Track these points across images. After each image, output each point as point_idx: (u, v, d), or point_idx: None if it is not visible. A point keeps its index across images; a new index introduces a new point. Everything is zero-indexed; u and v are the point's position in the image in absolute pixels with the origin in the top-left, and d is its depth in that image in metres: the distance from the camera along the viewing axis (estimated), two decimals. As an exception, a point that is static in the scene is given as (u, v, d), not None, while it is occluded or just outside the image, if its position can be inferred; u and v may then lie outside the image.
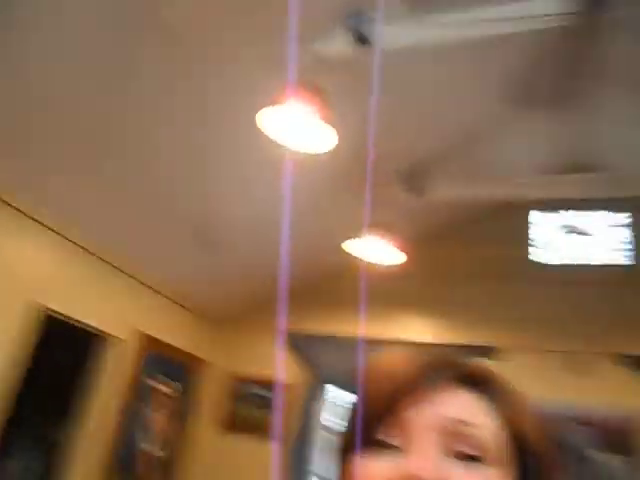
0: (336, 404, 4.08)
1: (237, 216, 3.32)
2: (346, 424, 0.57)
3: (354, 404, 0.56)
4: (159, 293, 3.74)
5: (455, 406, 0.51)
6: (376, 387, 0.53)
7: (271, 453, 3.83)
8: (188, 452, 3.98)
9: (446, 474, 0.47)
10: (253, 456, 3.87)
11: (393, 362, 0.56)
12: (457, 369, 0.54)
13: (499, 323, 3.72)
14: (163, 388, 3.73)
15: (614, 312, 3.51)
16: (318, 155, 2.21)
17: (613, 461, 3.16)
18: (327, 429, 3.95)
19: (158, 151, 2.78)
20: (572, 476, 3.18)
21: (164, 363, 3.73)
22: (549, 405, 3.37)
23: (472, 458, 0.49)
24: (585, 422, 3.29)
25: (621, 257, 3.74)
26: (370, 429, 0.51)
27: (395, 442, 0.50)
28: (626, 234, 3.80)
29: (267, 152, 2.25)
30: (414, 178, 2.96)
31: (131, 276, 3.48)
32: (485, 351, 3.69)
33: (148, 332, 3.58)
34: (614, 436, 3.21)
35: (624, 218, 3.85)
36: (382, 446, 0.51)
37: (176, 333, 3.90)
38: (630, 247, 3.75)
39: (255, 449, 3.89)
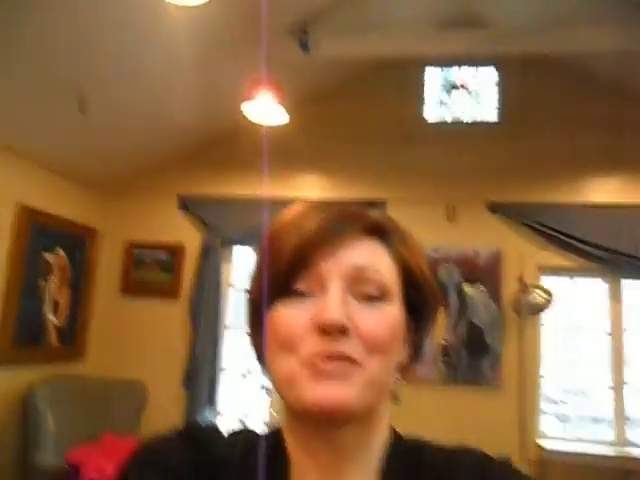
0: (245, 263, 4.24)
1: (121, 79, 3.06)
2: (254, 278, 0.60)
3: (260, 258, 0.60)
4: (44, 167, 3.48)
5: (359, 254, 0.56)
6: (286, 240, 0.56)
7: (171, 312, 4.03)
8: (89, 319, 4.05)
9: (352, 314, 0.53)
10: (154, 316, 4.04)
11: (300, 216, 0.59)
12: (361, 220, 0.58)
13: (388, 178, 3.92)
14: (57, 259, 3.65)
15: (486, 165, 3.82)
16: (198, 7, 2.03)
17: (479, 291, 3.67)
18: (237, 287, 4.15)
19: (37, 20, 2.41)
20: (451, 307, 3.68)
21: (55, 235, 3.59)
22: (431, 249, 3.77)
23: (374, 298, 0.56)
24: (460, 261, 3.73)
25: (492, 112, 3.97)
26: (282, 280, 0.55)
27: (307, 290, 0.55)
28: (494, 90, 4.00)
29: (148, 10, 2.05)
30: (300, 33, 2.84)
31: (10, 149, 3.19)
32: (376, 205, 3.95)
33: (34, 206, 3.40)
34: (482, 271, 3.69)
35: (494, 74, 4.02)
36: (296, 294, 0.55)
37: (66, 206, 3.72)
38: (497, 102, 3.98)
39: (155, 309, 4.05)
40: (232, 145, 4.10)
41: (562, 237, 3.59)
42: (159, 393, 3.90)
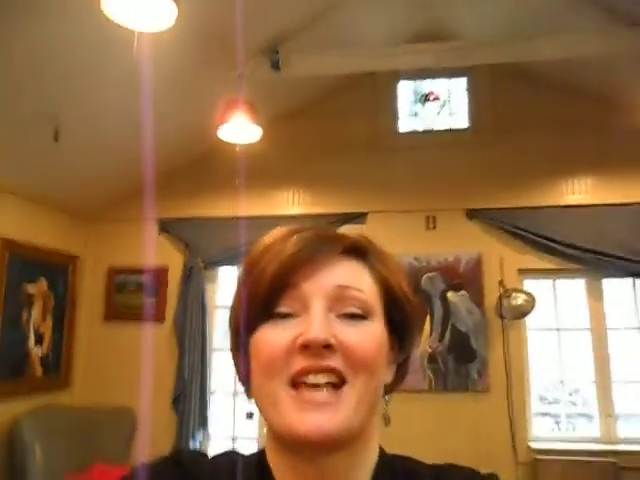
0: (228, 283, 4.24)
1: (92, 109, 3.07)
2: (235, 304, 0.60)
3: (241, 284, 0.59)
4: (19, 196, 3.47)
5: (340, 273, 0.57)
6: (265, 264, 0.56)
7: (156, 336, 4.01)
8: (73, 347, 4.01)
9: (335, 332, 0.53)
10: (139, 341, 3.99)
11: (278, 240, 0.58)
12: (340, 241, 0.59)
13: (366, 190, 3.96)
14: (38, 289, 3.62)
15: (461, 172, 3.89)
16: (163, 33, 2.06)
17: (462, 297, 3.71)
18: (223, 308, 4.14)
19: (5, 52, 2.42)
20: (435, 315, 3.71)
21: (35, 265, 3.56)
22: (413, 258, 3.80)
23: (356, 316, 0.56)
24: (442, 269, 3.76)
25: (464, 121, 4.05)
26: (264, 304, 0.55)
27: (290, 312, 0.55)
28: (465, 99, 4.09)
29: (113, 38, 2.07)
30: (271, 52, 2.89)
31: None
32: (355, 217, 3.98)
33: (12, 237, 3.37)
34: (464, 277, 3.73)
35: (465, 84, 4.11)
36: (279, 317, 0.55)
37: (45, 234, 3.69)
38: (468, 111, 4.05)
39: (140, 334, 4.00)
40: (208, 166, 4.12)
41: (541, 240, 3.65)
42: (149, 418, 3.85)
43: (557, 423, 3.85)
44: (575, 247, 3.58)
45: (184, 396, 3.75)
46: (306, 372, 0.52)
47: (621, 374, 3.69)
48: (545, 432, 3.69)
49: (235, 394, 3.95)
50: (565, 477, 3.22)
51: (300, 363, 0.52)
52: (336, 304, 0.55)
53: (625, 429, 3.61)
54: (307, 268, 0.55)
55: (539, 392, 3.90)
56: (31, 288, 3.54)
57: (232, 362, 0.62)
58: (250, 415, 0.57)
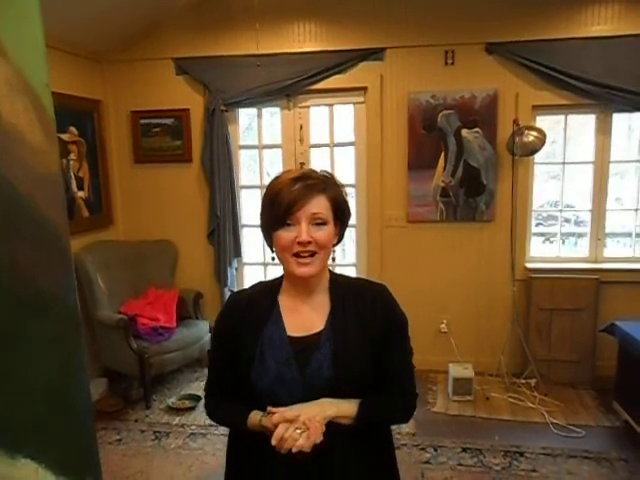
0: (246, 124, 4.35)
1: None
2: (263, 216, 1.26)
3: (265, 204, 1.24)
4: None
5: (314, 205, 1.19)
6: (280, 199, 1.18)
7: (186, 175, 4.28)
8: (109, 188, 4.30)
9: (312, 234, 1.19)
10: (170, 181, 4.30)
11: (287, 184, 1.19)
12: (316, 186, 1.20)
13: (384, 25, 3.86)
14: (70, 137, 3.78)
15: (484, 6, 3.75)
16: None
17: (476, 134, 3.89)
18: (243, 147, 4.32)
19: None
20: (449, 151, 3.92)
21: (64, 114, 3.65)
22: (430, 96, 3.88)
23: (321, 224, 1.20)
24: (458, 106, 3.87)
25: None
26: (280, 219, 1.19)
27: (293, 224, 1.19)
28: None
29: None
30: None
31: None
32: (373, 53, 3.94)
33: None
34: (479, 114, 3.86)
35: None
36: (287, 225, 1.19)
37: (62, 80, 3.69)
38: None
39: (170, 174, 4.29)
40: (222, 2, 3.96)
41: (558, 75, 3.69)
42: (188, 250, 4.33)
43: (551, 244, 4.33)
44: (590, 82, 3.65)
45: (218, 230, 4.15)
46: (300, 251, 1.20)
47: (614, 202, 4.06)
48: (540, 252, 4.18)
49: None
50: (554, 291, 3.78)
51: (297, 248, 1.19)
52: (312, 220, 1.20)
53: (610, 249, 4.10)
54: (300, 204, 1.18)
55: (539, 216, 4.32)
56: (65, 137, 3.70)
57: (265, 240, 1.30)
58: (272, 259, 1.13)
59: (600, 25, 3.66)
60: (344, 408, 1.17)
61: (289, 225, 1.18)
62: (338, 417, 1.16)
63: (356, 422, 1.18)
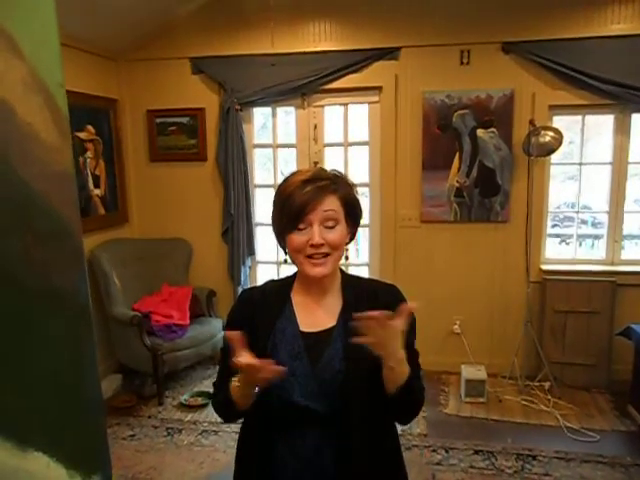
0: (261, 123, 4.37)
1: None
2: (275, 219, 1.26)
3: (276, 207, 1.24)
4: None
5: (327, 206, 1.20)
6: (292, 202, 1.19)
7: (201, 174, 4.31)
8: (126, 187, 4.34)
9: (324, 235, 1.19)
10: (185, 179, 4.34)
11: (299, 186, 1.19)
12: (328, 187, 1.20)
13: (399, 24, 3.84)
14: (87, 135, 3.82)
15: (500, 4, 3.71)
16: None
17: (491, 134, 3.85)
18: (257, 146, 4.33)
19: None
20: (464, 151, 3.90)
21: (81, 112, 3.70)
22: (445, 95, 3.86)
23: (332, 226, 1.21)
24: (473, 106, 3.84)
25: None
26: (292, 222, 1.20)
27: (305, 226, 1.19)
28: None
29: None
30: None
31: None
32: (388, 52, 3.93)
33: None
34: (495, 114, 3.83)
35: None
36: (300, 229, 1.20)
37: (78, 79, 3.73)
38: None
39: (185, 173, 4.32)
40: (238, 1, 3.98)
41: (575, 74, 3.64)
42: (202, 248, 4.36)
43: (567, 244, 4.28)
44: (609, 81, 3.59)
45: (232, 228, 4.17)
46: (313, 253, 1.20)
47: (632, 204, 4.00)
48: (556, 254, 4.13)
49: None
50: (569, 293, 3.73)
51: (310, 250, 1.20)
52: (323, 222, 1.20)
53: (628, 252, 4.04)
54: (311, 206, 1.18)
55: (555, 217, 4.27)
56: (81, 135, 3.75)
57: (277, 242, 1.31)
58: (285, 261, 1.08)
59: (620, 24, 3.60)
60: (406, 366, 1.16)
61: (301, 229, 1.19)
62: (402, 366, 1.14)
63: (403, 386, 1.15)
